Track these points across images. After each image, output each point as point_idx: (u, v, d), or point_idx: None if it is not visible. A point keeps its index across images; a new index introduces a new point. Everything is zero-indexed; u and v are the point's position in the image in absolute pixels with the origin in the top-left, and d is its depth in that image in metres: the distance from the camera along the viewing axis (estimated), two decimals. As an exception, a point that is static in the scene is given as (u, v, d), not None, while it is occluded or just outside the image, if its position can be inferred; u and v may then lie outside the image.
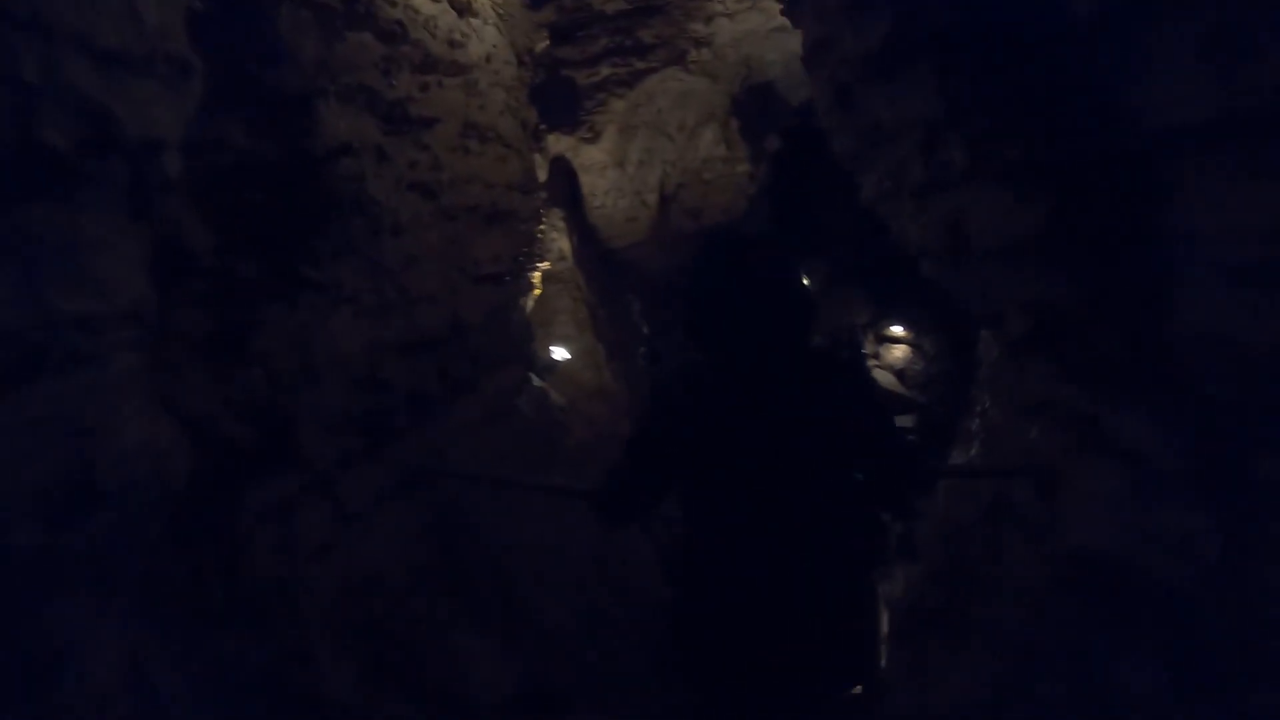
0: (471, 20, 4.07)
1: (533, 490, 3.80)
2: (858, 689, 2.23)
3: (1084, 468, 2.86)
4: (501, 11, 4.53)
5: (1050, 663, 3.15)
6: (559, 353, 6.46)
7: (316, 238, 2.68)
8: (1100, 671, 2.92)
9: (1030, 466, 3.14)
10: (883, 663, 4.23)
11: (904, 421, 11.89)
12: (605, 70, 7.23)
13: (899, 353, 12.42)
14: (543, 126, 6.12)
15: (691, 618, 2.04)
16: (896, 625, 4.24)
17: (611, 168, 7.65)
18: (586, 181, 7.71)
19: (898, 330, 12.33)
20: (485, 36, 4.25)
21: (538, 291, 6.14)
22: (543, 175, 6.07)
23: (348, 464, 3.12)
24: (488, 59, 4.23)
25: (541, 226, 6.20)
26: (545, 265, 6.28)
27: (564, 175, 7.36)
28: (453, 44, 3.80)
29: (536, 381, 6.07)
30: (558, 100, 7.04)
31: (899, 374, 12.34)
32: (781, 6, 3.75)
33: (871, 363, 12.27)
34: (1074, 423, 2.88)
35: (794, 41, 3.80)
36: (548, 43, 6.09)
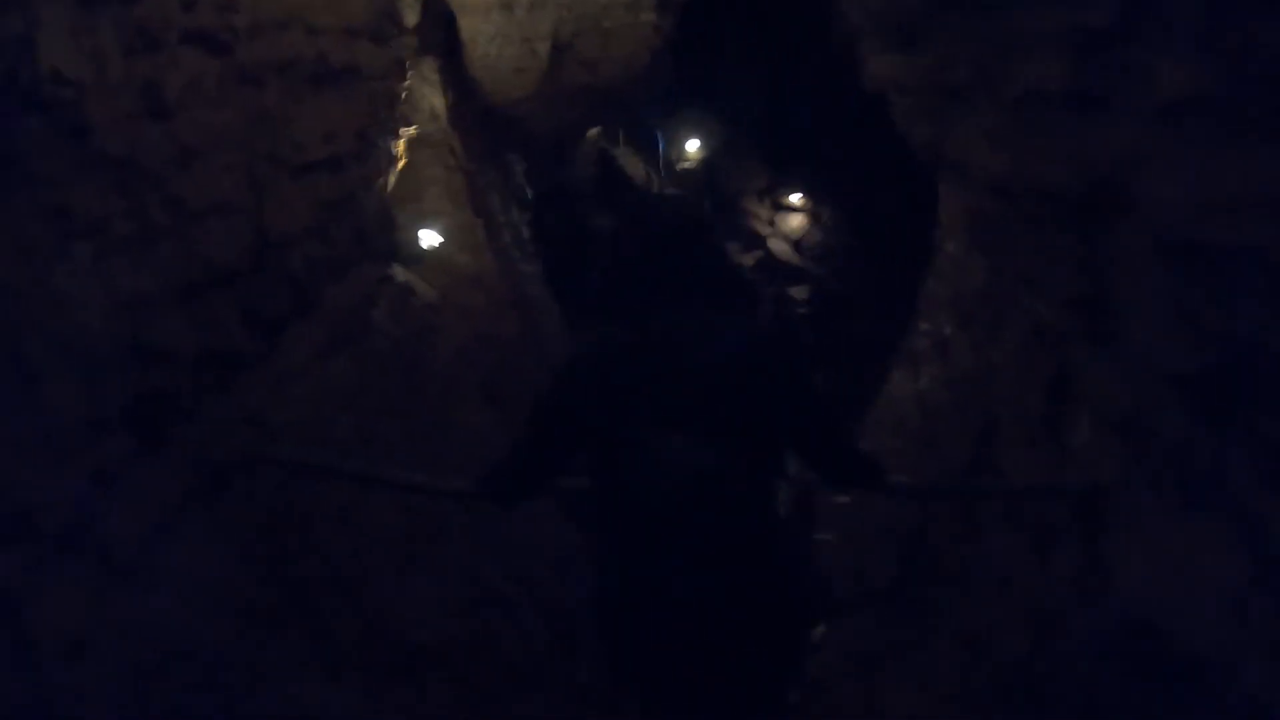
0: None
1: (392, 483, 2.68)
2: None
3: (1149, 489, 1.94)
4: None
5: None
6: (429, 237, 5.19)
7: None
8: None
9: (1072, 483, 2.18)
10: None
11: (799, 292, 11.12)
12: (487, -114, 5.72)
13: (795, 222, 11.49)
14: (412, -45, 4.61)
15: (615, 609, 1.85)
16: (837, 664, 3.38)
17: (497, 9, 6.17)
18: (467, 25, 6.22)
19: (795, 198, 11.35)
20: None
21: (402, 163, 4.78)
22: (413, 18, 4.61)
23: (108, 486, 1.96)
24: None
25: (407, 83, 4.78)
26: (411, 131, 4.89)
27: (438, 18, 5.86)
28: None
29: (401, 275, 4.83)
30: (430, -78, 5.52)
31: (795, 243, 11.45)
32: None
33: (769, 231, 11.33)
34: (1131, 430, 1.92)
35: None
36: None
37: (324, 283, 3.17)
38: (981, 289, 3.08)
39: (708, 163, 11.58)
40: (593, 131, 8.95)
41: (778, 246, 11.60)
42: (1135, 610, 2.07)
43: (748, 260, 11.22)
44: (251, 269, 2.48)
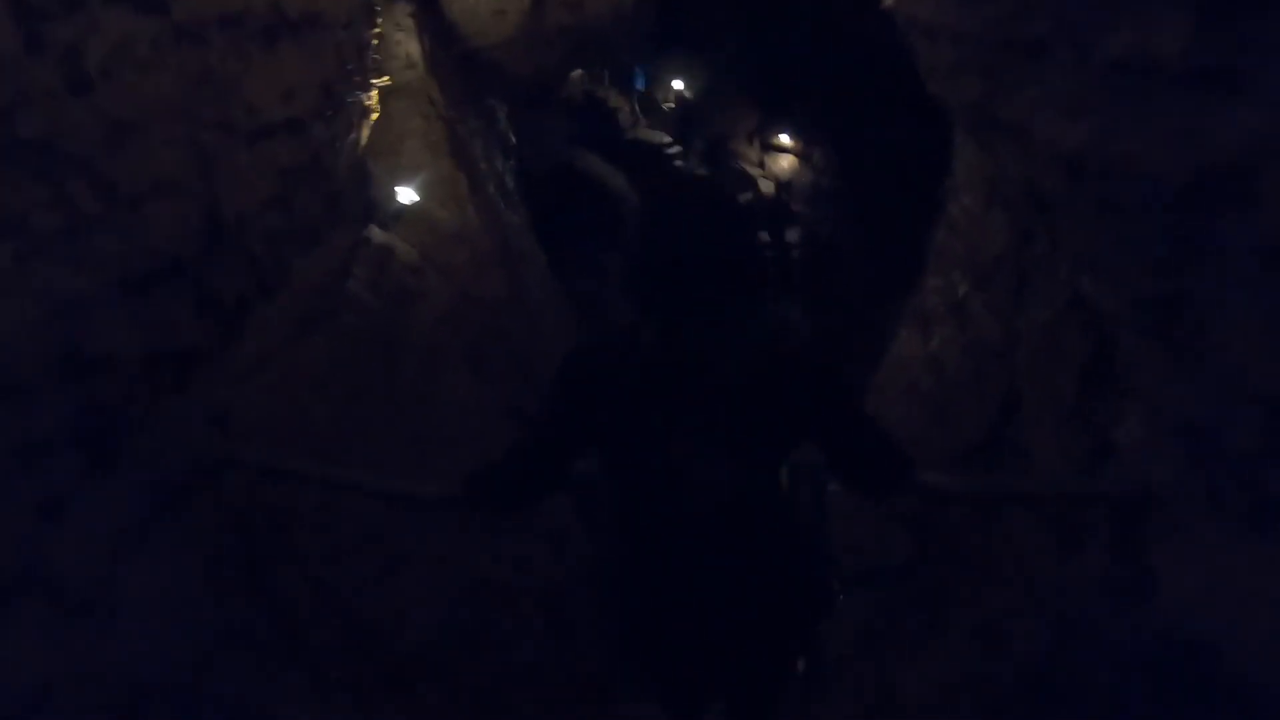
0: None
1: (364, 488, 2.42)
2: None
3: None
4: None
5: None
6: (407, 194, 4.88)
7: None
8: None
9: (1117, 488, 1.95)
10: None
11: (789, 236, 10.82)
12: None
13: (784, 163, 11.12)
14: (380, -110, 4.22)
15: (626, 604, 1.79)
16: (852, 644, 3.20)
17: (472, -54, 5.78)
18: (441, -36, 5.83)
19: (784, 139, 10.97)
20: None
21: (375, 116, 4.44)
22: (382, -43, 4.24)
23: (56, 516, 1.74)
24: None
25: (378, 29, 4.42)
26: (385, 80, 4.55)
27: (411, -44, 5.46)
28: None
29: (378, 236, 4.54)
30: None
31: (784, 185, 11.10)
32: None
33: (758, 174, 10.97)
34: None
35: None
36: None
37: (290, 258, 2.88)
38: (1003, 250, 2.83)
39: (694, 104, 11.17)
40: (576, 74, 8.56)
41: (766, 189, 11.25)
42: (1180, 624, 1.88)
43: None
44: (204, 253, 2.20)
